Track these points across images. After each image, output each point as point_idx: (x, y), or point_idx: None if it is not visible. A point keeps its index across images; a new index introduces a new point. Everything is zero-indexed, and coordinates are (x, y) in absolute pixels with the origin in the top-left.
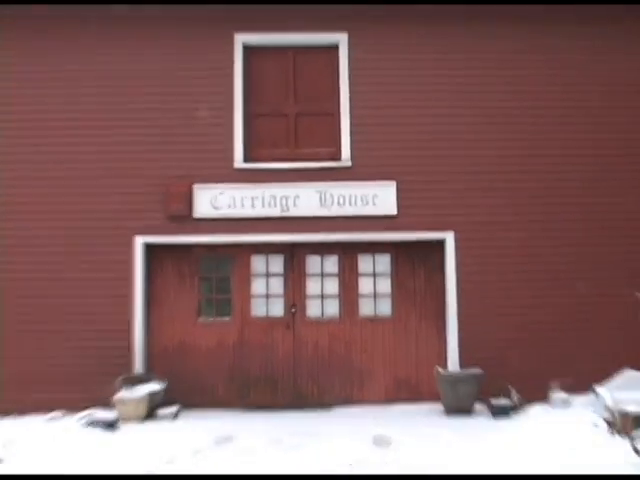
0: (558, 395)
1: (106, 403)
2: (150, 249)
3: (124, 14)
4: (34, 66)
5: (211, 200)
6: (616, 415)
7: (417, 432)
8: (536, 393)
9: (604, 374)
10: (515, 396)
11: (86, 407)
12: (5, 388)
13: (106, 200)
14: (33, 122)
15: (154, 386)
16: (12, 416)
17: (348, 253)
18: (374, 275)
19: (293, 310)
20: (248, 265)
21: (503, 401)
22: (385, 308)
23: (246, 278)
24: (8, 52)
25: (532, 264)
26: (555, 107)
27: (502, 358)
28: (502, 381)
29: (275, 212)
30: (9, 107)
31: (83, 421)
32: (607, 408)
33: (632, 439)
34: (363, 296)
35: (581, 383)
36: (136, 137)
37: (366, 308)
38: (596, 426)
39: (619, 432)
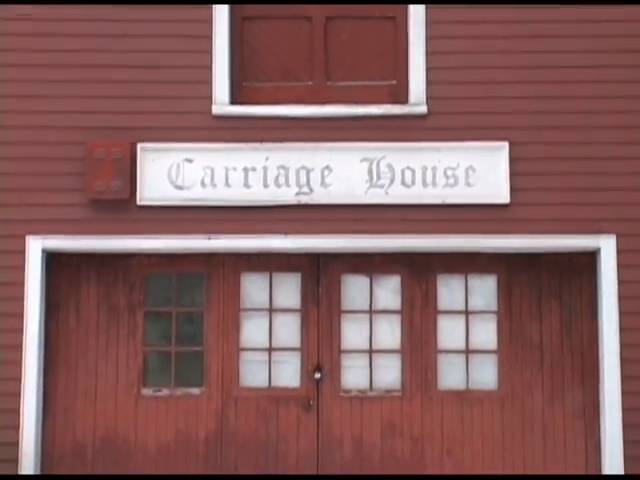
0: None
1: None
2: (56, 261)
3: None
4: None
5: (170, 173)
6: None
7: None
8: None
9: None
10: None
11: None
12: None
13: None
14: None
15: None
16: None
17: (419, 273)
18: (467, 314)
19: (318, 376)
20: (236, 292)
21: None
22: (486, 375)
23: (232, 316)
24: None
25: None
26: None
27: None
28: None
29: (287, 196)
30: None
31: None
32: None
33: None
34: (446, 352)
35: None
36: (34, 59)
37: (452, 375)
38: None
39: None
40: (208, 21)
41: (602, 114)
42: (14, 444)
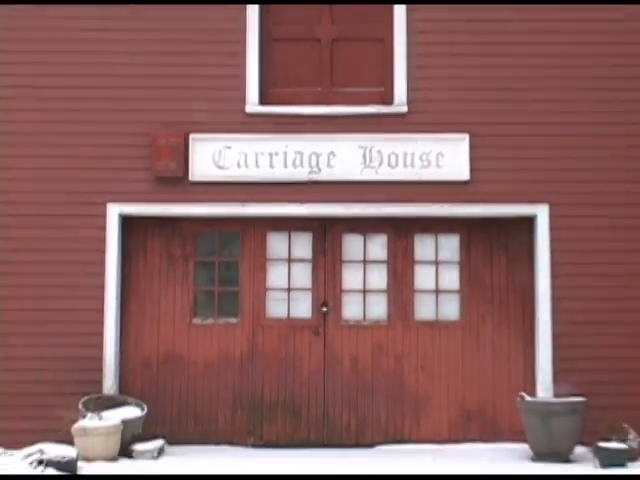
0: None
1: (63, 435)
2: (129, 222)
3: None
4: None
5: (214, 156)
6: None
7: None
8: None
9: None
10: (635, 438)
11: (35, 440)
12: None
13: (68, 155)
14: None
15: (131, 411)
16: None
17: (401, 232)
18: (436, 263)
19: (324, 310)
20: (263, 246)
21: (616, 444)
22: (451, 309)
23: (260, 264)
24: None
25: None
26: None
27: (614, 383)
28: (614, 415)
29: (302, 174)
30: None
31: (30, 460)
32: None
33: None
34: (421, 292)
35: None
36: (111, 70)
37: (425, 309)
38: None
39: None
40: (242, 42)
41: (540, 114)
42: (98, 359)
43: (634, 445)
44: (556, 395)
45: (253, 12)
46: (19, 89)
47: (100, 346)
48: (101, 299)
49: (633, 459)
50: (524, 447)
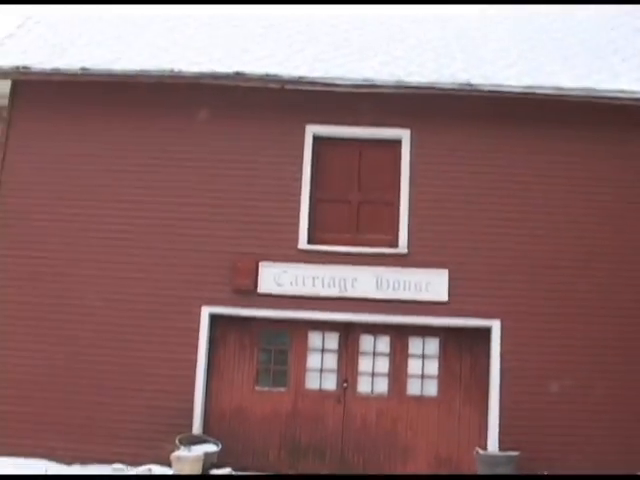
0: None
1: (164, 460)
2: (215, 319)
3: (202, 101)
4: (106, 150)
5: (275, 277)
6: None
7: None
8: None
9: None
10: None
11: (146, 462)
12: (71, 439)
13: (177, 271)
14: (105, 201)
15: (210, 447)
16: (78, 464)
17: (400, 335)
18: (423, 357)
19: (345, 385)
20: (305, 340)
21: None
22: (431, 389)
23: (303, 352)
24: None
25: (574, 354)
26: (614, 208)
27: (541, 442)
28: (539, 463)
29: (334, 292)
30: (79, 173)
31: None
32: None
33: None
34: (411, 376)
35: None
36: (208, 215)
37: (414, 388)
38: None
39: None
40: (298, 201)
41: (498, 258)
42: (190, 410)
43: None
44: (500, 449)
45: (305, 182)
46: (142, 219)
47: (192, 402)
48: (194, 370)
49: None
50: None
